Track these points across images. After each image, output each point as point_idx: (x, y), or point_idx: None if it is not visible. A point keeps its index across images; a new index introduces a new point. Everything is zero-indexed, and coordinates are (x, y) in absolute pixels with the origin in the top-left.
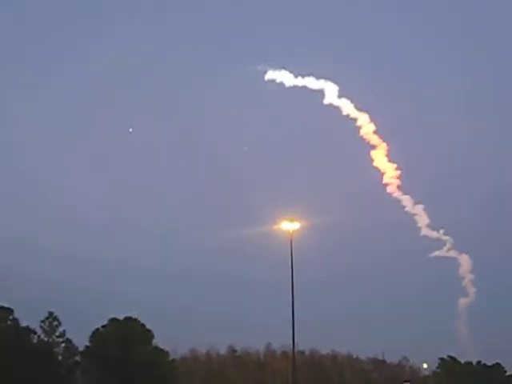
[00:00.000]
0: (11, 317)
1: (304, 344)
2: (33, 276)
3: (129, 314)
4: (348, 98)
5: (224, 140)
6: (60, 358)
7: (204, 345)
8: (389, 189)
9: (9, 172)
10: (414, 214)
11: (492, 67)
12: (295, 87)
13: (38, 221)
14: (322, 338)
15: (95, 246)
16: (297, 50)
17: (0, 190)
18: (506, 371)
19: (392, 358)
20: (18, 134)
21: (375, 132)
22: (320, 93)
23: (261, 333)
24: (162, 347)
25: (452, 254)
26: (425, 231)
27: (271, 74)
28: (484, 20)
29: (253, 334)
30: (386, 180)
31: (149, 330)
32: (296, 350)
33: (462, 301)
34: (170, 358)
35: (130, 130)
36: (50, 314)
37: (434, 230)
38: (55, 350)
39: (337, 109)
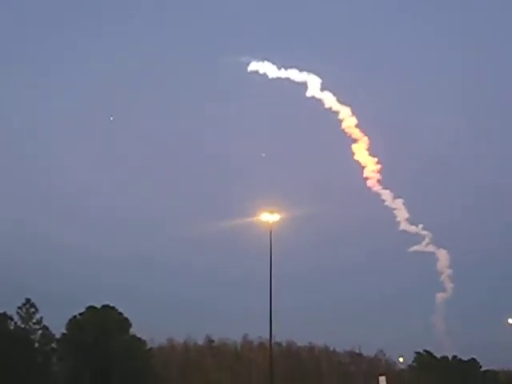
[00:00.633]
0: None
1: (281, 336)
2: (10, 262)
3: (106, 302)
4: (331, 91)
5: (205, 131)
6: (37, 344)
7: (181, 334)
8: (369, 183)
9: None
10: (394, 209)
11: (477, 63)
12: (278, 79)
13: (17, 207)
14: (299, 330)
15: (74, 233)
16: (280, 42)
17: None
18: (481, 366)
19: (368, 352)
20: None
21: (357, 126)
22: (303, 85)
23: (238, 324)
24: (139, 336)
25: (430, 248)
26: (404, 226)
27: (254, 65)
28: (470, 16)
29: (230, 324)
30: (366, 174)
31: (126, 319)
32: (273, 341)
33: (440, 296)
34: (147, 347)
35: (111, 118)
36: (27, 300)
37: (412, 224)
38: (32, 336)
39: (319, 101)
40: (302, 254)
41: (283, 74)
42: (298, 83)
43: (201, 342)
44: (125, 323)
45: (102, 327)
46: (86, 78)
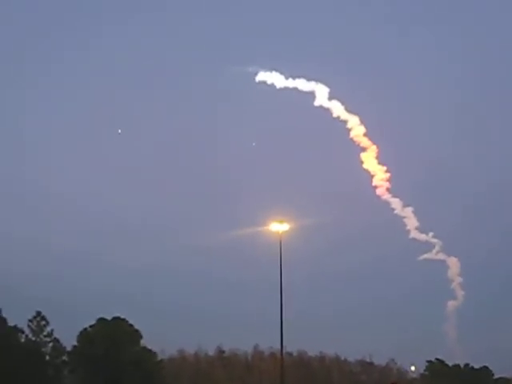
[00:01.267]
0: None
1: (292, 345)
2: (20, 274)
3: (117, 314)
4: (338, 100)
5: (214, 141)
6: (48, 357)
7: (192, 345)
8: (378, 191)
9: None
10: (403, 217)
11: (482, 70)
12: (286, 89)
13: (26, 217)
14: (310, 339)
15: (84, 245)
16: (288, 52)
17: None
18: (493, 374)
19: (380, 360)
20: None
21: (365, 134)
22: (311, 94)
23: (249, 334)
24: (149, 347)
25: (441, 256)
26: (414, 234)
27: (262, 76)
28: (474, 25)
29: (241, 334)
30: (375, 182)
31: (137, 330)
32: (284, 351)
33: (451, 304)
34: (158, 358)
35: (119, 131)
36: (38, 313)
37: (422, 232)
38: (43, 349)
39: (327, 111)
40: (313, 263)
41: (291, 83)
42: (305, 93)
43: (211, 352)
44: (135, 335)
45: (112, 339)
46: (89, 78)
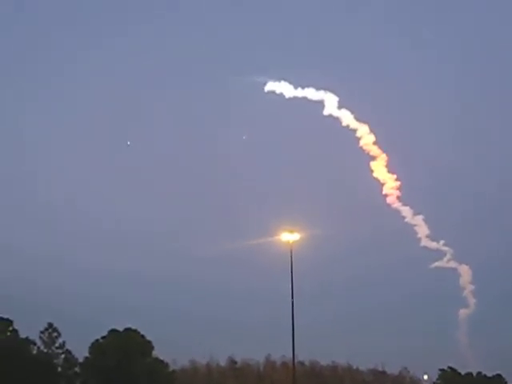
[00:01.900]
0: (11, 328)
1: (304, 355)
2: (32, 286)
3: (129, 325)
4: (348, 108)
5: (223, 151)
6: (60, 369)
7: (204, 356)
8: (388, 200)
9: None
10: (414, 225)
11: (491, 78)
12: (295, 98)
13: (37, 230)
14: (321, 348)
15: (95, 256)
16: (296, 61)
17: None
18: (506, 382)
19: (392, 369)
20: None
21: (375, 143)
22: (320, 104)
23: (261, 344)
24: (161, 358)
25: (452, 264)
26: (425, 242)
27: (271, 86)
28: (483, 33)
29: (253, 344)
30: (385, 191)
31: (149, 341)
32: (296, 360)
33: (463, 311)
34: (170, 369)
35: (128, 143)
36: (50, 325)
37: (433, 240)
38: (55, 361)
39: (336, 120)
40: (323, 272)
41: (300, 93)
42: (314, 102)
43: (223, 363)
44: (147, 346)
45: (124, 350)
46: (93, 93)
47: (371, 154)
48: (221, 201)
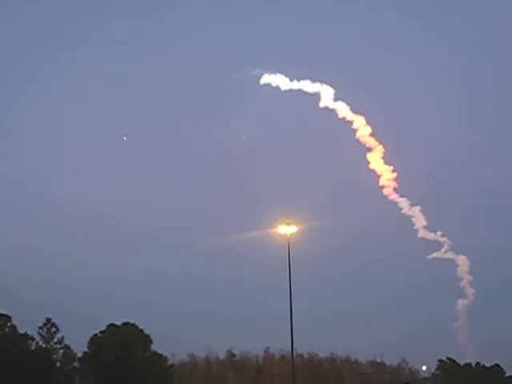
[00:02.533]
0: (9, 324)
1: (303, 347)
2: (29, 282)
3: (127, 320)
4: (344, 100)
5: (221, 144)
6: (58, 364)
7: (203, 349)
8: (385, 191)
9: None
10: (411, 216)
11: (488, 68)
12: (291, 91)
13: (35, 225)
14: (320, 340)
15: (92, 251)
16: (292, 54)
17: None
18: (505, 372)
19: (391, 361)
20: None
21: (371, 134)
22: (316, 96)
23: (259, 337)
24: (160, 352)
25: (450, 255)
26: (422, 233)
27: (266, 78)
28: (478, 30)
29: (251, 338)
30: (382, 182)
31: (147, 335)
32: (295, 353)
33: (461, 302)
34: (169, 362)
35: (124, 138)
36: (48, 320)
37: (431, 231)
38: (53, 356)
39: (333, 112)
40: (321, 264)
41: (296, 85)
42: (310, 94)
43: (222, 356)
44: (146, 340)
45: (123, 345)
46: (98, 93)
47: (367, 145)
48: (217, 194)
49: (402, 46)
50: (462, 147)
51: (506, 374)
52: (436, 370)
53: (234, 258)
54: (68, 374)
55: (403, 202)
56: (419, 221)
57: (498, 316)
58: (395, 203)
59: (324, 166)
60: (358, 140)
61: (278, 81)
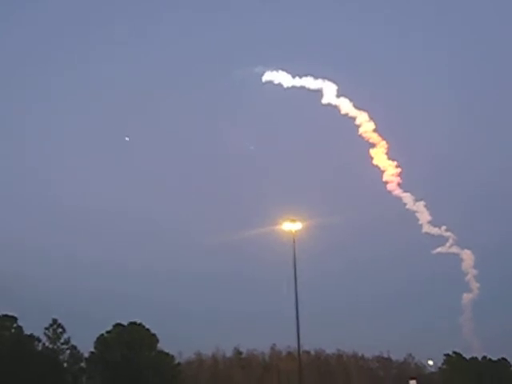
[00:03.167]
0: (15, 325)
1: (309, 344)
2: (35, 283)
3: (133, 319)
4: (347, 96)
5: (224, 142)
6: (65, 364)
7: (210, 347)
8: (389, 186)
9: (12, 173)
10: (415, 211)
11: (490, 65)
12: (293, 87)
13: (40, 226)
14: (327, 337)
15: (98, 251)
16: (294, 51)
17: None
18: (511, 365)
19: (397, 356)
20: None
21: (375, 130)
22: (318, 92)
23: (266, 334)
24: (167, 351)
25: (454, 249)
26: (426, 228)
27: (269, 75)
28: (478, 30)
29: (258, 335)
30: (386, 178)
31: (153, 335)
32: (301, 350)
33: (466, 296)
34: (176, 361)
35: (127, 138)
36: (54, 321)
37: (435, 226)
38: (60, 356)
39: (335, 108)
40: (326, 261)
41: (298, 82)
42: (313, 91)
43: (229, 354)
44: (152, 339)
45: (129, 344)
46: (98, 93)
47: (371, 141)
48: (222, 191)
49: (404, 44)
50: (466, 142)
51: None
52: (442, 364)
53: (239, 255)
54: (75, 375)
55: (407, 198)
56: (423, 216)
57: (503, 309)
58: (399, 198)
59: (328, 162)
60: (361, 136)
61: (281, 78)
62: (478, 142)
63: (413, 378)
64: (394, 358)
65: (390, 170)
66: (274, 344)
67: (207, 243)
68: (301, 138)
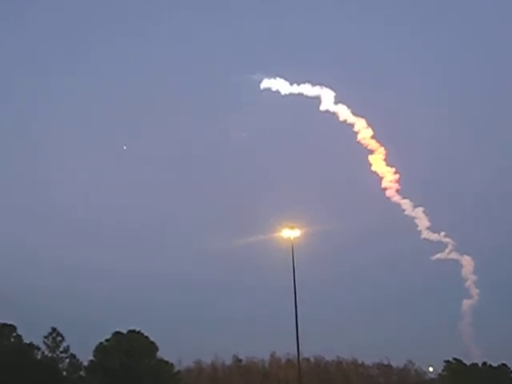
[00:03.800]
0: (14, 333)
1: (309, 351)
2: (34, 291)
3: (132, 327)
4: (344, 103)
5: (222, 149)
6: (65, 373)
7: (209, 355)
8: (388, 193)
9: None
10: (414, 218)
11: (489, 68)
12: (291, 95)
13: (39, 233)
14: (326, 344)
15: (97, 258)
16: (292, 58)
17: None
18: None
19: (397, 362)
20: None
21: (373, 137)
22: (316, 99)
23: (265, 341)
24: (166, 359)
25: (454, 256)
26: (425, 234)
27: (267, 83)
28: (478, 30)
29: (257, 342)
30: (384, 184)
31: (152, 342)
32: (301, 357)
33: (466, 302)
34: (175, 369)
35: (124, 147)
36: (53, 329)
37: (434, 232)
38: (59, 365)
39: (334, 115)
40: (324, 268)
41: (296, 89)
42: (311, 98)
43: (228, 361)
44: (151, 347)
45: (128, 352)
46: (98, 93)
47: (369, 147)
48: (222, 199)
49: (402, 48)
50: (464, 148)
51: None
52: (443, 370)
53: (239, 262)
54: (74, 383)
55: (406, 204)
56: (422, 222)
57: (503, 315)
58: (398, 205)
59: (326, 169)
60: (359, 142)
61: (278, 85)
62: (477, 147)
63: None
64: (394, 364)
65: (389, 177)
66: (274, 351)
67: (207, 250)
68: (299, 144)
